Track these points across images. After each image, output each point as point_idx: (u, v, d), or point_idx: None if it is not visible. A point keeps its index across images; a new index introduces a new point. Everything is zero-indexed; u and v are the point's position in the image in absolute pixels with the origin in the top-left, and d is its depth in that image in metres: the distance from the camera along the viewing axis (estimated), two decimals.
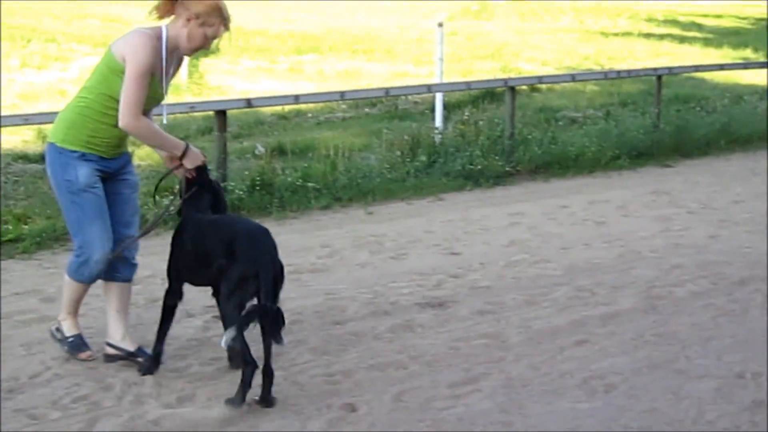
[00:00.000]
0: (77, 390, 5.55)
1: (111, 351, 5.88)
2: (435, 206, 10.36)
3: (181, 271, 5.72)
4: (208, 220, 5.65)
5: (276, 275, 5.31)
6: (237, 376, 5.41)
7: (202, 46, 5.63)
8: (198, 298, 6.08)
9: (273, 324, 5.16)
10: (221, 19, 5.57)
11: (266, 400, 5.28)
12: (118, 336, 5.88)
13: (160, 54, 5.44)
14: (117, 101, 5.43)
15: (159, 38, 5.45)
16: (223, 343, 5.18)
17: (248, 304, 5.22)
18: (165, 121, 5.92)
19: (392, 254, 8.47)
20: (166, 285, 5.79)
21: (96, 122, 5.51)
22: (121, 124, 5.40)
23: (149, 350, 5.81)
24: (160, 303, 5.78)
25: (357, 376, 5.77)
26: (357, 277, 7.77)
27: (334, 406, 5.35)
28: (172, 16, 5.50)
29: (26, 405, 5.32)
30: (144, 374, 5.71)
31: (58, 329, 6.00)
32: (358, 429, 5.10)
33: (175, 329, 6.37)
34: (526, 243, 8.81)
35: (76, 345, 5.93)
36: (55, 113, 11.73)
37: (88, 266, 5.65)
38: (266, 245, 5.38)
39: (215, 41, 5.62)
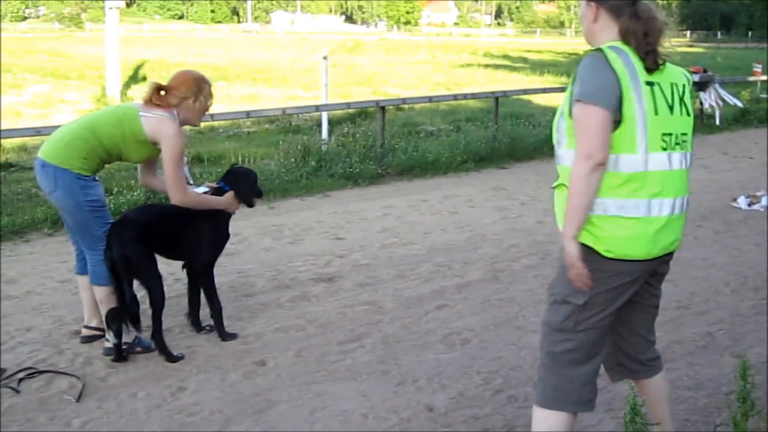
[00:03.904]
0: (37, 354, 5.41)
1: (89, 332, 5.61)
2: (323, 202, 10.33)
3: None
4: None
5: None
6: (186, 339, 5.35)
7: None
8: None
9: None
10: (209, 84, 5.47)
11: None
12: (96, 320, 5.58)
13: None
14: (122, 155, 5.27)
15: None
16: None
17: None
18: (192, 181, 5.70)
19: (290, 240, 8.42)
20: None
21: (102, 160, 5.25)
22: (174, 201, 5.25)
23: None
24: None
25: (265, 338, 5.73)
26: (263, 259, 7.70)
27: (248, 362, 5.31)
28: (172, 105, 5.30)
29: None
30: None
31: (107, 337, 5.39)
32: (267, 379, 5.06)
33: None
34: (396, 230, 8.83)
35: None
36: (10, 130, 11.53)
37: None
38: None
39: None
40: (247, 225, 8.62)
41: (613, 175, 3.16)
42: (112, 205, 8.62)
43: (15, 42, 55.28)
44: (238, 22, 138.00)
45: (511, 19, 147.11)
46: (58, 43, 55.97)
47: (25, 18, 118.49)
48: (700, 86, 18.08)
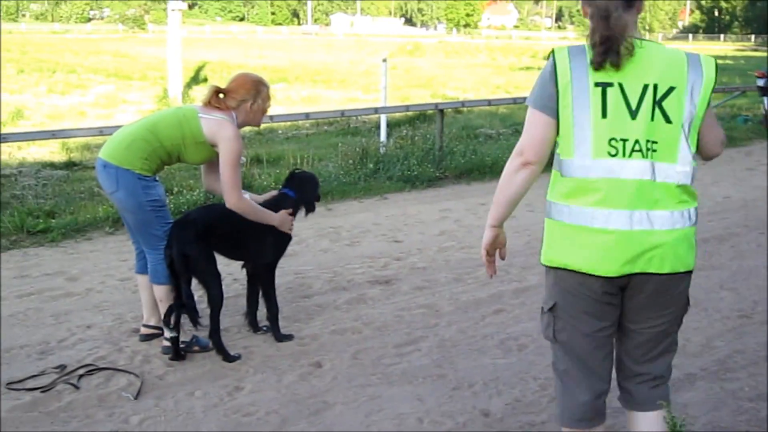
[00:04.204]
0: (97, 351, 5.48)
1: (147, 331, 5.68)
2: (381, 204, 10.33)
3: None
4: None
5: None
6: (231, 339, 5.39)
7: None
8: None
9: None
10: (267, 87, 5.50)
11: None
12: (155, 319, 5.63)
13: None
14: (181, 156, 5.32)
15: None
16: None
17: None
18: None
19: (348, 242, 8.43)
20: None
21: (162, 161, 5.29)
22: (228, 204, 5.26)
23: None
24: None
25: (322, 339, 5.74)
26: (320, 260, 7.72)
27: (304, 363, 5.33)
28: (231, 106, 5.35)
29: (56, 364, 5.24)
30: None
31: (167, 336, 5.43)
32: (323, 381, 5.06)
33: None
34: (454, 233, 8.80)
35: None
36: (74, 129, 11.72)
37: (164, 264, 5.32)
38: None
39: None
40: (305, 226, 8.65)
41: (559, 179, 3.11)
42: (172, 205, 8.72)
43: (80, 43, 56.33)
44: (298, 24, 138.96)
45: (572, 22, 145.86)
46: (121, 44, 56.86)
47: (89, 19, 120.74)
48: (765, 91, 17.73)
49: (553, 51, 3.07)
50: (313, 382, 5.05)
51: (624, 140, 2.93)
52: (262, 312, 5.80)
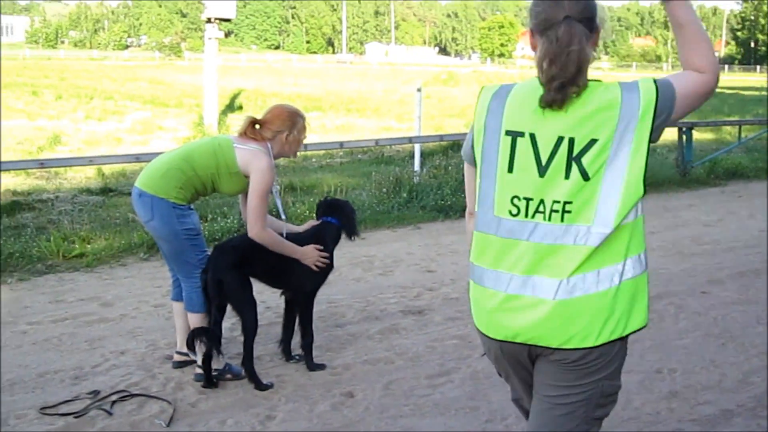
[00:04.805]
0: (130, 377, 5.50)
1: (181, 358, 5.68)
2: (414, 233, 10.33)
3: None
4: None
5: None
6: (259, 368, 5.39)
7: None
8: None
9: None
10: (303, 118, 5.51)
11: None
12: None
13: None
14: (215, 186, 5.34)
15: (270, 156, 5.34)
16: None
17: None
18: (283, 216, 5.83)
19: (381, 271, 8.43)
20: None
21: (197, 191, 5.32)
22: (251, 234, 5.24)
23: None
24: None
25: (354, 369, 5.73)
26: (353, 290, 7.72)
27: (336, 393, 5.31)
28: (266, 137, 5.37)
29: (89, 389, 5.26)
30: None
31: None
32: (355, 411, 5.05)
33: None
34: None
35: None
36: (110, 156, 11.84)
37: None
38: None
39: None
40: (338, 255, 8.60)
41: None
42: (206, 232, 8.76)
43: (117, 69, 56.97)
44: (333, 52, 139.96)
45: (607, 53, 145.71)
46: (158, 71, 57.42)
47: (127, 46, 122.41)
48: None
49: (481, 89, 2.81)
50: (345, 413, 5.04)
51: (528, 199, 2.64)
52: (295, 340, 5.81)
